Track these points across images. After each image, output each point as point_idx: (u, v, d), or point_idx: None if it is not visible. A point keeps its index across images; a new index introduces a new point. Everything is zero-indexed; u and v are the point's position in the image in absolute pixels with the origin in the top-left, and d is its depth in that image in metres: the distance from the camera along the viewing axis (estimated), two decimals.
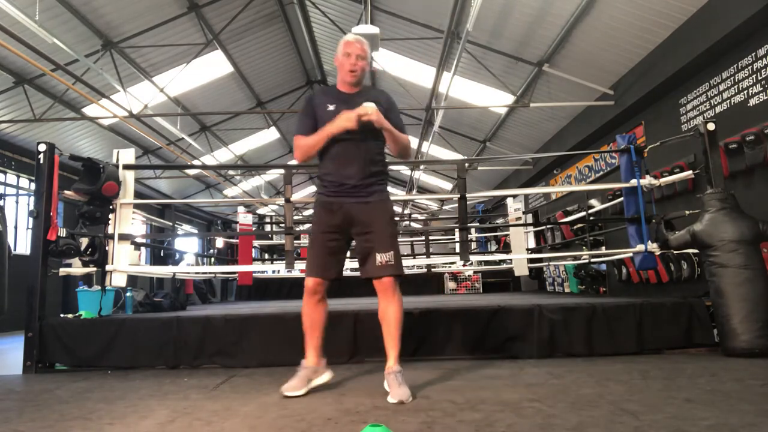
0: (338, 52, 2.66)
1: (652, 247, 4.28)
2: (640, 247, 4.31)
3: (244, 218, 7.42)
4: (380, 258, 2.47)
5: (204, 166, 12.06)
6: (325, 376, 2.63)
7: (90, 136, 10.86)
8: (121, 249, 4.18)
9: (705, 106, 5.89)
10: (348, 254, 2.79)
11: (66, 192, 4.07)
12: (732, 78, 5.46)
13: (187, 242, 14.02)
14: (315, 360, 2.61)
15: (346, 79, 2.65)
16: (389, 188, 2.77)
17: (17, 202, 9.80)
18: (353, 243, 2.68)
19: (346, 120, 2.49)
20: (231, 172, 16.11)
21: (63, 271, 4.05)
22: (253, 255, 8.84)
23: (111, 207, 4.18)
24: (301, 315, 2.64)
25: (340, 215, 2.57)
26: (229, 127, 13.16)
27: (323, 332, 2.65)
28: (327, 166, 2.63)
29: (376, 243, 2.50)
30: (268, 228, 11.66)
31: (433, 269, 9.19)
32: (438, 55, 7.66)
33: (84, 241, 4.13)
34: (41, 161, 3.82)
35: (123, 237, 4.21)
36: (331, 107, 2.60)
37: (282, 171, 5.01)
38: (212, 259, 9.03)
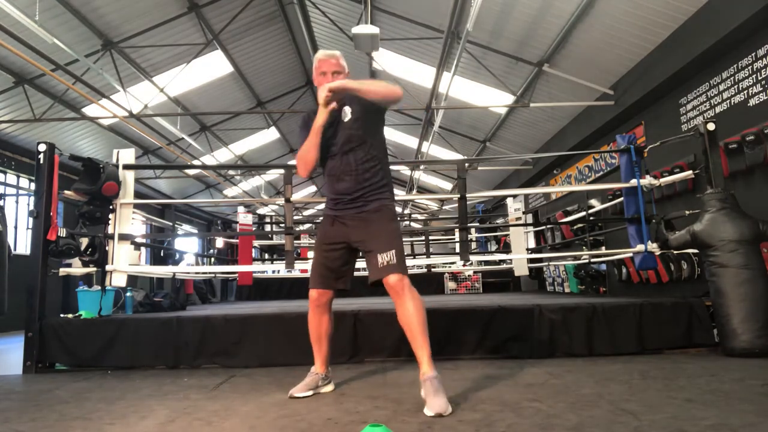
0: (314, 72, 2.64)
1: (652, 247, 4.28)
2: (640, 247, 4.31)
3: (244, 218, 7.43)
4: (381, 259, 2.44)
5: (204, 166, 12.06)
6: (330, 387, 2.68)
7: (90, 136, 10.86)
8: (121, 249, 4.18)
9: (705, 106, 5.89)
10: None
11: (66, 192, 4.06)
12: (732, 78, 5.46)
13: (187, 242, 14.02)
14: (322, 368, 2.66)
15: None
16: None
17: (17, 202, 9.78)
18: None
19: (324, 103, 2.46)
20: (231, 172, 16.10)
21: (63, 271, 4.05)
22: (253, 255, 8.86)
23: (111, 207, 4.18)
24: (308, 325, 2.66)
25: (340, 227, 2.59)
26: (229, 127, 13.15)
27: (330, 342, 2.69)
28: (326, 184, 2.67)
29: (374, 246, 2.48)
30: (268, 228, 11.67)
31: (433, 269, 9.19)
32: (438, 55, 7.65)
33: (84, 241, 4.13)
34: (41, 161, 3.82)
35: (123, 237, 4.21)
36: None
37: (282, 171, 5.01)
38: (212, 259, 9.03)
